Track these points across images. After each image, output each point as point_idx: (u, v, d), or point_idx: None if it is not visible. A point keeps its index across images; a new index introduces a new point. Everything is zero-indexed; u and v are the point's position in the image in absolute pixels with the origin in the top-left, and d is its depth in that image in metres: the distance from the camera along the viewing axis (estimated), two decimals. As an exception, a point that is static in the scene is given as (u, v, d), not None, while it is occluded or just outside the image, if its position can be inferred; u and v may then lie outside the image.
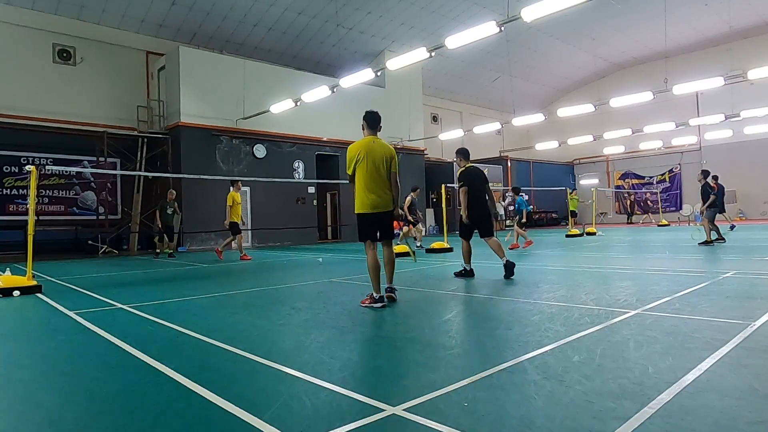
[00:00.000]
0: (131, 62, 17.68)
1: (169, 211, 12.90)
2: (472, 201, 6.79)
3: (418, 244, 13.19)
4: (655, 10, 20.79)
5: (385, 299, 4.81)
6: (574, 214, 19.38)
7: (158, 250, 12.94)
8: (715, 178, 16.38)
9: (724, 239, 11.58)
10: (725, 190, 14.71)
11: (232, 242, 11.92)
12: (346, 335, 3.64)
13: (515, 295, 5.18)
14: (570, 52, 25.77)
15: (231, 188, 11.64)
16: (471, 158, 7.30)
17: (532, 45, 24.12)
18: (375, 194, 4.85)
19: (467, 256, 6.92)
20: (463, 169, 6.97)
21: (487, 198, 6.93)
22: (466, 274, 6.86)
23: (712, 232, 11.38)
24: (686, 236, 13.50)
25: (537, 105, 30.24)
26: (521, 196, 13.16)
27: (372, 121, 5.04)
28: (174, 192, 13.56)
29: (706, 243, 11.08)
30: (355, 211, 4.98)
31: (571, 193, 19.39)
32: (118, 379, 2.79)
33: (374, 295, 4.79)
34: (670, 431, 1.87)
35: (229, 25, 18.27)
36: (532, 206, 12.70)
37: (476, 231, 7.00)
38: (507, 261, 6.61)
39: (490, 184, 7.13)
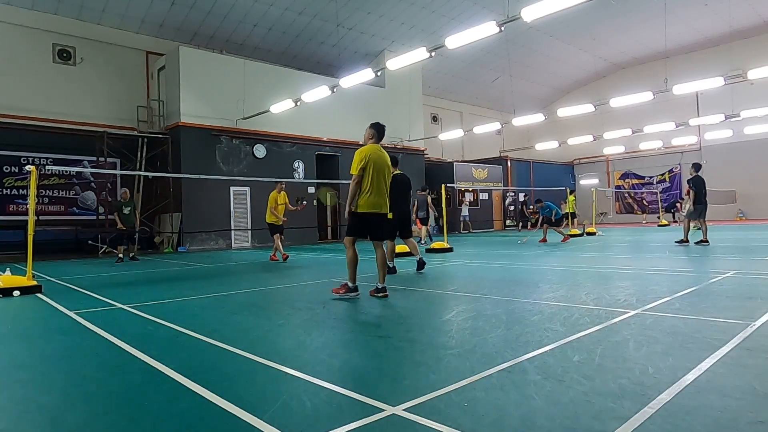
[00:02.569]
0: (131, 62, 17.68)
1: (126, 211, 12.18)
2: (393, 204, 7.81)
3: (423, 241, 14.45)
4: (655, 10, 20.79)
5: (359, 291, 5.25)
6: (573, 215, 19.41)
7: (120, 255, 12.08)
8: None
9: (688, 242, 10.94)
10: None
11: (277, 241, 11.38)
12: (346, 335, 3.64)
13: (515, 295, 5.18)
14: (570, 52, 25.76)
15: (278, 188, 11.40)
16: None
17: (532, 45, 24.12)
18: (377, 197, 5.28)
19: (391, 254, 7.66)
20: (393, 173, 7.93)
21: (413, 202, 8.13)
22: (389, 271, 7.37)
23: (695, 231, 11.15)
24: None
25: (537, 105, 30.24)
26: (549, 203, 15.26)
27: (382, 133, 5.60)
28: (128, 190, 12.97)
29: (681, 242, 10.92)
30: (356, 210, 5.25)
31: (570, 195, 19.44)
32: (118, 379, 2.79)
33: (350, 284, 5.20)
34: (670, 431, 1.87)
35: (229, 25, 18.27)
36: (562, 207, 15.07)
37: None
38: (393, 266, 7.57)
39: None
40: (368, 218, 5.28)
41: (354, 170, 5.25)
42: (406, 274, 7.48)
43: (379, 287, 5.24)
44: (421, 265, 7.72)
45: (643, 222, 27.62)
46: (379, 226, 5.41)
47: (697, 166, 11.18)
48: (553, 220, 14.66)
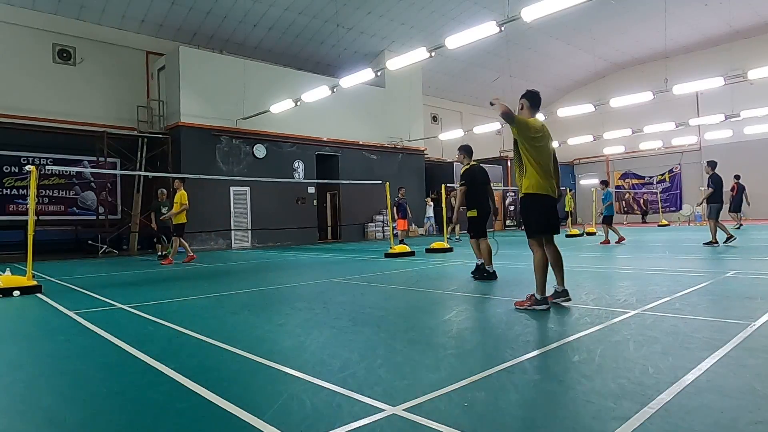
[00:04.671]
0: (131, 62, 17.68)
1: (164, 211, 12.30)
2: (478, 200, 6.68)
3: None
4: (655, 10, 20.80)
5: (549, 303, 4.26)
6: (570, 215, 19.94)
7: (161, 252, 12.59)
8: (737, 177, 15.76)
9: (734, 237, 10.54)
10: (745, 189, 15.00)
11: (178, 244, 11.33)
12: (346, 335, 3.63)
13: (515, 295, 5.17)
14: (570, 52, 25.77)
15: (181, 187, 11.14)
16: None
17: (532, 45, 24.12)
18: (551, 179, 4.37)
19: (488, 255, 6.49)
20: (467, 167, 6.79)
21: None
22: (489, 276, 6.42)
23: (719, 231, 10.56)
24: (687, 236, 13.47)
25: (537, 105, 30.25)
26: (608, 189, 13.85)
27: (537, 101, 4.54)
28: (165, 191, 13.04)
29: (710, 243, 10.44)
30: (529, 191, 4.31)
31: (567, 194, 19.89)
32: (118, 379, 2.79)
33: (537, 296, 4.24)
34: (670, 431, 1.87)
35: (229, 25, 18.28)
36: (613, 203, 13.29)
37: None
38: (494, 271, 6.51)
39: (491, 185, 7.05)
40: (548, 203, 4.28)
41: (520, 134, 4.30)
42: (405, 274, 7.48)
43: (559, 290, 4.41)
44: (480, 271, 6.53)
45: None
46: (554, 214, 4.40)
47: (713, 164, 10.81)
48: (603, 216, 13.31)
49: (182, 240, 11.37)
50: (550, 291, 4.41)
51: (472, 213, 6.65)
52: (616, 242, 12.53)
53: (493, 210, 6.79)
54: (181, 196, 11.11)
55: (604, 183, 14.35)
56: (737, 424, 1.91)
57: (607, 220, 13.14)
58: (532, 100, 4.50)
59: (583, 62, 27.26)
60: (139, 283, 7.68)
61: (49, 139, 15.50)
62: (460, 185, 6.73)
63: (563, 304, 4.37)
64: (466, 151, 6.99)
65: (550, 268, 4.38)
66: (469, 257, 10.05)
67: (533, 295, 4.27)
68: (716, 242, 10.45)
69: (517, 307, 4.35)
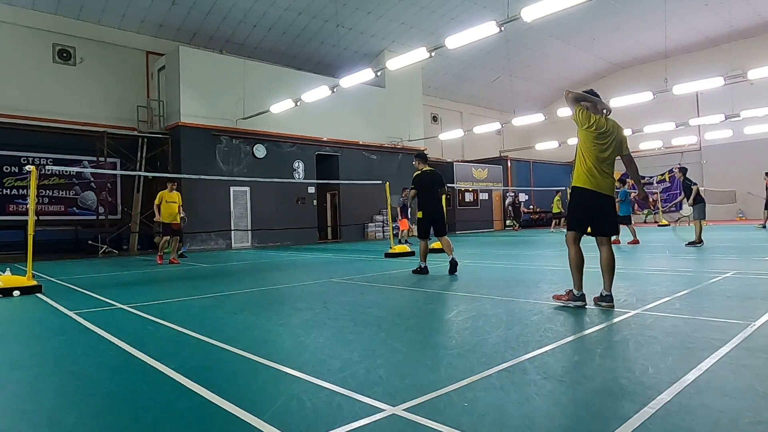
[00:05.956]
0: (131, 62, 17.68)
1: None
2: (424, 203, 7.41)
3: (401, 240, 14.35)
4: (655, 10, 20.80)
5: (585, 301, 4.31)
6: (559, 215, 20.33)
7: (180, 251, 12.77)
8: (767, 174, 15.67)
9: (702, 242, 10.61)
10: None
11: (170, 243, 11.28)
12: (346, 335, 3.63)
13: (515, 295, 5.17)
14: (570, 52, 25.76)
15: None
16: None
17: (531, 45, 24.12)
18: (602, 176, 4.23)
19: (424, 254, 7.43)
20: (417, 173, 7.53)
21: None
22: (421, 271, 7.36)
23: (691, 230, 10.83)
24: (686, 236, 13.46)
25: (537, 105, 30.22)
26: (624, 188, 13.52)
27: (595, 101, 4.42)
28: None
29: (693, 243, 10.52)
30: (573, 183, 4.35)
31: (556, 196, 20.41)
32: (118, 379, 2.79)
33: (574, 291, 4.30)
34: (670, 431, 1.87)
35: (229, 25, 18.28)
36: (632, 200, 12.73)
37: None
38: (425, 266, 7.40)
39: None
40: (591, 198, 4.21)
41: (581, 120, 4.28)
42: (406, 274, 7.48)
43: (604, 294, 4.26)
44: (453, 266, 7.17)
45: (644, 221, 27.90)
46: (605, 213, 4.30)
47: (684, 170, 11.42)
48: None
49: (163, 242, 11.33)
50: (589, 294, 4.43)
51: (419, 214, 7.51)
52: (612, 241, 12.14)
53: (444, 213, 7.59)
54: (178, 196, 11.17)
55: (622, 182, 13.90)
56: (737, 424, 1.91)
57: (623, 220, 12.41)
58: (592, 102, 4.45)
59: (583, 62, 27.25)
60: (139, 283, 7.68)
61: (49, 139, 15.50)
62: (411, 189, 7.53)
63: (604, 306, 4.22)
64: (420, 158, 7.72)
65: (600, 270, 4.40)
66: (467, 257, 10.07)
67: (571, 290, 4.38)
68: (701, 242, 10.60)
69: (555, 301, 4.51)
